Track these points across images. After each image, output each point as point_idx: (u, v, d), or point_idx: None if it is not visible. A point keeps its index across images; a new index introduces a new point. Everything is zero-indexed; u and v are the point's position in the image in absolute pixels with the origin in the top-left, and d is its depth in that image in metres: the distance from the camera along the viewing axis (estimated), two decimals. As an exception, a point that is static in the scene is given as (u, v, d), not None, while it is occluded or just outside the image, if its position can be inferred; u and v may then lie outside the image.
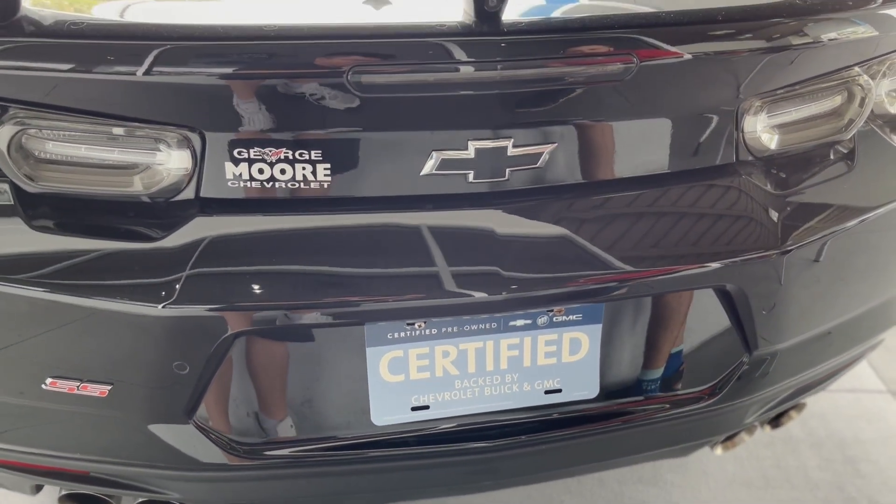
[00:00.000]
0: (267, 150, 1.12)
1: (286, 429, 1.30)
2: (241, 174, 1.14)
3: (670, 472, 2.18)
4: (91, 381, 1.20)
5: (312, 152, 1.13)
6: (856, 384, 2.56)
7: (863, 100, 1.36)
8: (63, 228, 1.17)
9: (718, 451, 1.84)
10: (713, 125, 1.27)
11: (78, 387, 1.20)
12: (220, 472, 1.30)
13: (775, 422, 1.81)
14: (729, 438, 1.76)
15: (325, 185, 1.15)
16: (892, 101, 1.46)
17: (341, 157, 1.15)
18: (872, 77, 1.37)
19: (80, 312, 1.15)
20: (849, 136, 1.39)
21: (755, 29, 1.21)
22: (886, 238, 1.49)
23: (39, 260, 1.15)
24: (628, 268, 1.22)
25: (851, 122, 1.38)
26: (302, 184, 1.15)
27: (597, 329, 1.32)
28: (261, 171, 1.14)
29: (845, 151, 1.41)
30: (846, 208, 1.40)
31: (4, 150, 1.11)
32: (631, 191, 1.25)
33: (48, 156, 1.13)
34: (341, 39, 1.08)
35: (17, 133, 1.11)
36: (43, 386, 1.20)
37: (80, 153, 1.14)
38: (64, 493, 1.47)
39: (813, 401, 1.97)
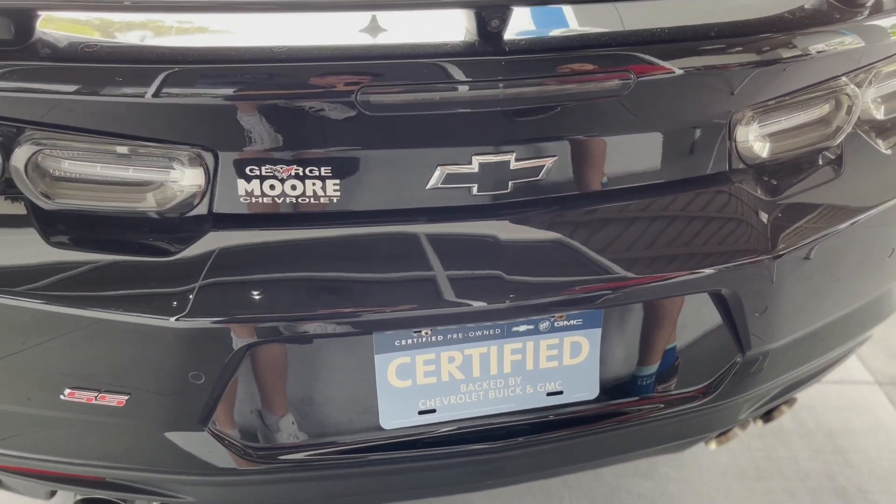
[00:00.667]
0: (278, 167, 1.16)
1: (298, 433, 1.34)
2: (252, 190, 1.17)
3: (665, 465, 2.23)
4: (109, 392, 1.23)
5: (322, 169, 1.17)
6: (844, 376, 2.62)
7: (850, 108, 1.41)
8: (78, 244, 1.19)
9: (713, 445, 1.89)
10: (707, 136, 1.31)
11: (96, 397, 1.23)
12: (235, 477, 1.34)
13: (767, 416, 1.87)
14: (723, 433, 1.81)
15: (335, 200, 1.19)
16: (878, 107, 1.51)
17: (350, 173, 1.18)
18: (859, 86, 1.41)
19: (96, 325, 1.18)
20: (836, 143, 1.44)
21: (747, 43, 1.25)
22: (874, 238, 1.54)
23: (57, 275, 1.18)
24: (628, 275, 1.27)
25: (839, 129, 1.42)
26: (312, 199, 1.18)
27: (596, 333, 1.36)
28: (272, 188, 1.17)
29: (833, 157, 1.46)
30: (835, 212, 1.45)
31: (21, 169, 1.14)
32: (628, 200, 1.29)
33: (64, 174, 1.16)
34: (350, 61, 1.12)
35: (33, 153, 1.13)
36: (61, 396, 1.24)
37: (95, 171, 1.17)
38: (79, 497, 1.50)
39: (802, 393, 2.03)
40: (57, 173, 1.16)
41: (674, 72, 1.20)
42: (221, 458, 1.30)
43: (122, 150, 1.15)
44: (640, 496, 2.14)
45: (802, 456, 2.30)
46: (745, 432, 1.94)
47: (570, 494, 2.13)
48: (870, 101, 1.48)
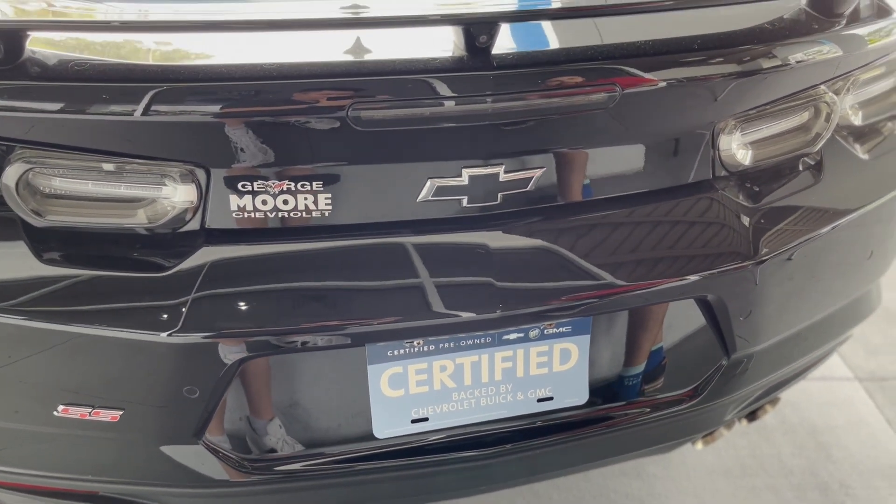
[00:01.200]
0: (270, 182, 1.17)
1: (292, 444, 1.35)
2: (245, 206, 1.18)
3: (653, 464, 2.26)
4: (103, 407, 1.24)
5: (314, 183, 1.18)
6: (826, 373, 2.66)
7: (828, 115, 1.44)
8: (70, 260, 1.20)
9: (699, 445, 1.92)
10: (691, 145, 1.34)
11: (90, 413, 1.24)
12: (230, 488, 1.35)
13: (752, 416, 1.90)
14: (709, 434, 1.84)
15: (327, 214, 1.20)
16: (856, 113, 1.54)
17: (341, 187, 1.20)
18: (837, 93, 1.45)
19: (89, 341, 1.19)
20: (816, 149, 1.47)
21: (729, 54, 1.28)
22: (854, 241, 1.58)
23: (49, 292, 1.18)
24: (616, 283, 1.29)
25: (818, 135, 1.45)
26: (305, 213, 1.19)
27: (585, 339, 1.39)
28: (264, 203, 1.18)
29: (813, 163, 1.49)
30: (816, 216, 1.48)
31: (12, 187, 1.14)
32: (616, 210, 1.32)
33: (55, 192, 1.17)
34: (341, 77, 1.13)
35: (24, 171, 1.14)
36: (55, 413, 1.24)
37: (86, 189, 1.17)
38: (72, 511, 1.50)
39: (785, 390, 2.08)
40: (48, 191, 1.16)
41: (658, 84, 1.22)
42: (216, 470, 1.31)
43: (113, 167, 1.16)
44: (628, 496, 2.17)
45: (786, 453, 2.34)
46: (730, 431, 1.97)
47: (559, 495, 2.15)
48: (848, 108, 1.52)
